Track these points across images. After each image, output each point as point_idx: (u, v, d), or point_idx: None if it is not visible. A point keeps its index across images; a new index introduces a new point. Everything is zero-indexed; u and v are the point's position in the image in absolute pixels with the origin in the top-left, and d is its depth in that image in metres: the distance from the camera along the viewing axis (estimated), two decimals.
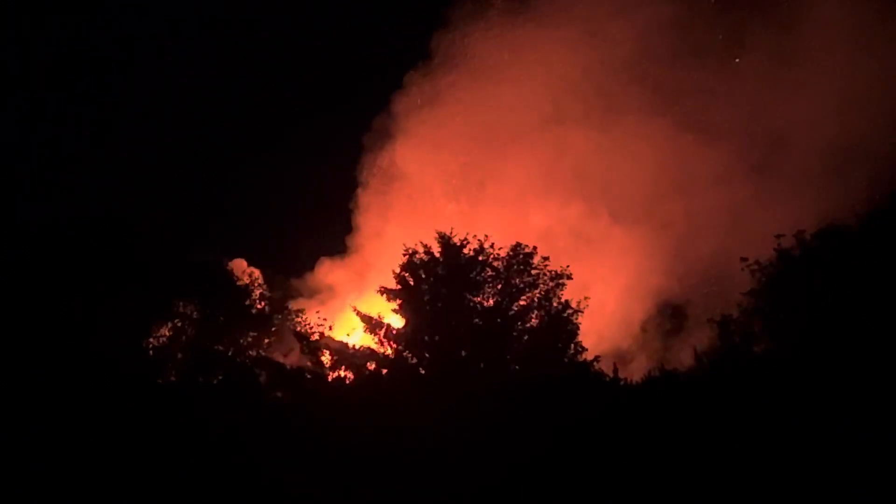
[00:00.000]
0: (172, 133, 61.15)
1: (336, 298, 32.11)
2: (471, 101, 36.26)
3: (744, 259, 20.26)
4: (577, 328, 22.08)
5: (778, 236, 19.96)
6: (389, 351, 22.07)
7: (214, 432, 19.54)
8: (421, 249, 22.38)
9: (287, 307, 24.58)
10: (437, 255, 22.29)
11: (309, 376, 22.34)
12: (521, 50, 36.23)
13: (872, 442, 16.69)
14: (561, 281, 22.24)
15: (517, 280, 22.13)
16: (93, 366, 20.68)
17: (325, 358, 22.73)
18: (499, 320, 21.84)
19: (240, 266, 26.98)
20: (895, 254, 18.89)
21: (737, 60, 33.55)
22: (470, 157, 35.91)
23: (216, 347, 23.25)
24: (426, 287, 22.16)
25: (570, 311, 22.07)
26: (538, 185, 34.84)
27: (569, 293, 22.38)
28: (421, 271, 22.23)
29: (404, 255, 22.48)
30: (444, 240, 22.34)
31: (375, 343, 22.29)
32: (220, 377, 23.03)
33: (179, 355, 23.19)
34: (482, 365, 21.48)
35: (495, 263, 22.18)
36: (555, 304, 22.07)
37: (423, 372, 21.70)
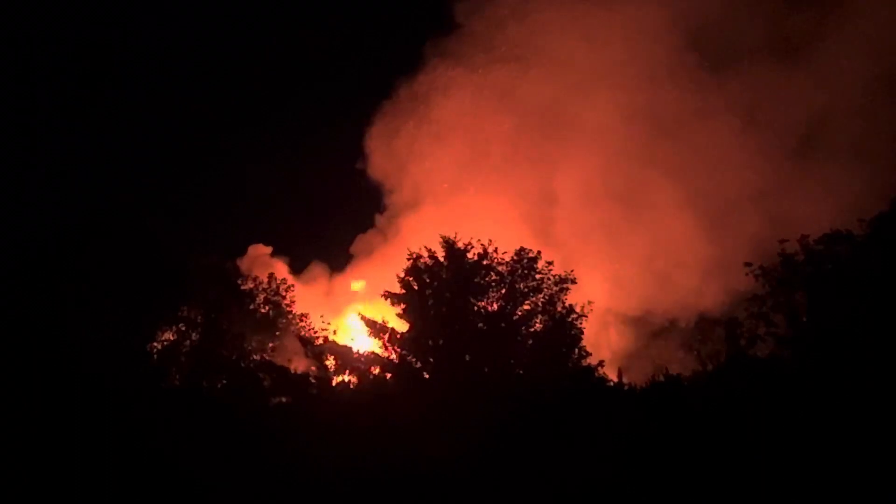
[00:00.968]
0: (177, 135, 61.17)
1: (341, 302, 32.24)
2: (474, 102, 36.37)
3: (748, 264, 20.28)
4: (581, 332, 22.05)
5: (782, 241, 19.96)
6: (394, 355, 22.08)
7: (219, 436, 19.56)
8: (425, 254, 22.39)
9: (291, 311, 24.51)
10: (442, 259, 22.30)
11: (313, 380, 22.35)
12: (532, 43, 36.23)
13: (877, 445, 16.73)
14: (565, 285, 22.23)
15: (521, 284, 22.11)
16: (97, 370, 20.67)
17: (330, 362, 22.75)
18: (503, 325, 21.82)
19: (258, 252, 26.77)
20: None
21: None
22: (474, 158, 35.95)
23: (220, 352, 23.22)
24: (430, 291, 22.16)
25: (573, 315, 22.04)
26: (539, 190, 34.91)
27: (573, 297, 22.43)
28: (425, 276, 22.23)
29: (409, 259, 22.49)
30: (449, 244, 22.34)
31: (380, 347, 22.31)
32: (225, 381, 23.03)
33: (183, 359, 23.16)
34: (486, 369, 21.49)
35: (499, 268, 22.17)
36: (559, 309, 22.04)
37: (427, 376, 21.71)
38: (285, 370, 23.14)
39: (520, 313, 22.00)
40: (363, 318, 22.74)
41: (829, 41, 32.34)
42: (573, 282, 22.33)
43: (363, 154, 37.23)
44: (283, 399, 22.37)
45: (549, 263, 22.42)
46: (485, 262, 22.13)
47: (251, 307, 24.05)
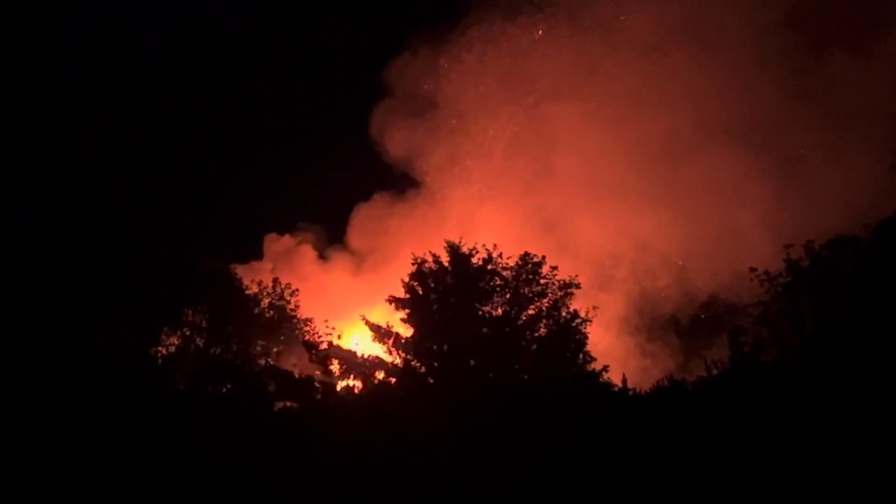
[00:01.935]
0: (183, 138, 61.33)
1: (345, 307, 32.17)
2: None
3: (753, 269, 20.23)
4: (586, 338, 22.05)
5: (787, 246, 19.91)
6: (398, 360, 22.08)
7: (223, 441, 19.56)
8: (430, 258, 22.40)
9: (296, 316, 24.56)
10: (446, 264, 22.32)
11: (318, 385, 22.34)
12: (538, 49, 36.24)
13: (884, 452, 16.66)
14: (569, 290, 22.24)
15: (526, 289, 22.14)
16: (102, 374, 20.72)
17: (334, 367, 22.73)
18: (507, 329, 21.84)
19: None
20: None
21: None
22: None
23: (225, 356, 23.27)
24: (435, 296, 22.18)
25: (578, 320, 22.05)
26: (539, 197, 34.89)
27: (577, 303, 22.43)
28: (430, 280, 22.25)
29: (413, 263, 22.52)
30: (453, 249, 22.37)
31: (384, 352, 22.30)
32: (229, 386, 23.07)
33: (188, 364, 23.21)
34: (491, 374, 21.44)
35: (504, 273, 22.19)
36: (563, 314, 22.05)
37: (431, 381, 21.68)
38: (290, 375, 23.17)
39: (524, 318, 22.02)
40: (368, 322, 22.74)
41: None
42: (577, 287, 22.37)
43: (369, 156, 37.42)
44: (288, 403, 22.38)
45: (554, 268, 22.46)
46: (489, 267, 22.16)
47: (256, 312, 24.13)
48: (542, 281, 22.23)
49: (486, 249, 22.35)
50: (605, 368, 22.03)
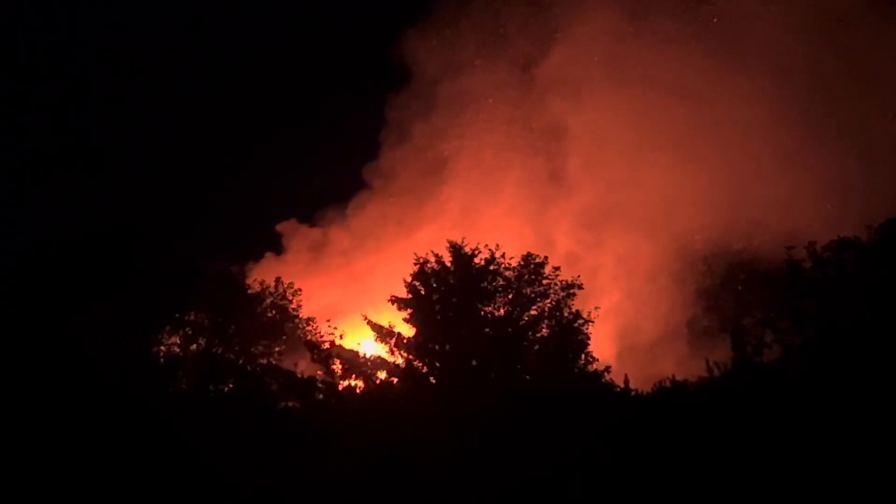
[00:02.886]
0: (185, 139, 61.32)
1: (347, 307, 32.15)
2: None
3: (754, 270, 20.30)
4: (588, 338, 22.06)
5: (789, 248, 20.00)
6: (400, 360, 22.06)
7: (225, 441, 19.56)
8: (432, 259, 22.41)
9: (298, 316, 24.54)
10: (449, 264, 22.30)
11: (320, 385, 22.33)
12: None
13: (886, 453, 16.71)
14: (572, 291, 22.25)
15: (528, 290, 22.14)
16: (103, 374, 20.71)
17: (336, 367, 22.71)
18: (510, 330, 21.83)
19: None
20: None
21: None
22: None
23: (227, 356, 23.26)
24: (437, 296, 22.14)
25: (580, 321, 22.06)
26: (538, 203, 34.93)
27: (579, 303, 22.44)
28: (432, 280, 22.23)
29: (415, 264, 22.49)
30: (456, 249, 22.36)
31: (386, 352, 22.28)
32: (231, 386, 23.06)
33: (190, 364, 23.19)
34: (493, 374, 21.45)
35: (506, 273, 22.20)
36: (565, 315, 22.06)
37: (433, 381, 21.69)
38: (292, 374, 23.17)
39: (526, 318, 22.01)
40: (370, 322, 22.73)
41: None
42: (580, 287, 22.39)
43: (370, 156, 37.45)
44: (290, 403, 22.38)
45: (556, 269, 22.48)
46: (492, 268, 22.16)
47: (258, 311, 24.12)
48: (544, 281, 22.24)
49: (489, 249, 22.37)
50: (608, 369, 22.05)
